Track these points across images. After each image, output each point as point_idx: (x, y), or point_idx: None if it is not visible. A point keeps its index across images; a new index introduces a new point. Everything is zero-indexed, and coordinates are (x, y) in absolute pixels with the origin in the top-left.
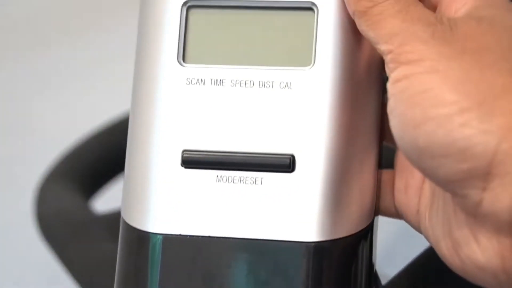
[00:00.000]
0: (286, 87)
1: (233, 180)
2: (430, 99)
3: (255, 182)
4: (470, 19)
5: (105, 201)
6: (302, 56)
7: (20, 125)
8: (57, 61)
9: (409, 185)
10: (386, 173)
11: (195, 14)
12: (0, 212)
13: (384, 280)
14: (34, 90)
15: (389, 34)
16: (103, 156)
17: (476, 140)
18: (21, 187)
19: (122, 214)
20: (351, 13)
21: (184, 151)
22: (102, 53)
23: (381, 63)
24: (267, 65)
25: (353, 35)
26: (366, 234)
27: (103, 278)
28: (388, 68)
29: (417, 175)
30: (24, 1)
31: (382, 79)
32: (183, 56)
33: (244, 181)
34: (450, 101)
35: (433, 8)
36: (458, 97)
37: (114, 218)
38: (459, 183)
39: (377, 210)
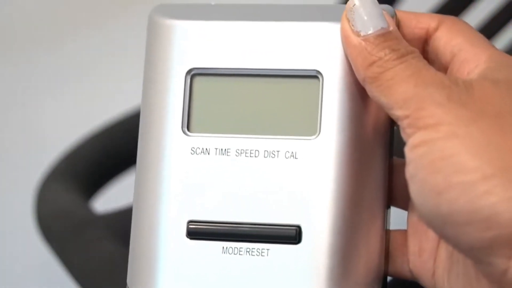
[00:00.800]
0: (292, 157)
1: (239, 251)
2: (451, 166)
3: (261, 254)
4: (486, 81)
5: (105, 201)
6: (307, 125)
7: (20, 125)
8: (57, 62)
9: (423, 248)
10: (398, 235)
11: (199, 82)
12: (0, 212)
13: None
14: (34, 90)
15: (403, 99)
16: (103, 156)
17: (501, 208)
18: (21, 187)
19: (128, 283)
20: (360, 79)
21: (189, 222)
22: (102, 53)
23: (388, 126)
24: (272, 134)
25: (358, 101)
26: None
27: (103, 278)
28: (404, 133)
29: (431, 238)
30: (23, 1)
31: (389, 141)
32: (188, 125)
33: (250, 252)
34: (473, 167)
35: (444, 71)
36: (480, 163)
37: (114, 218)
38: (484, 251)
39: (386, 271)
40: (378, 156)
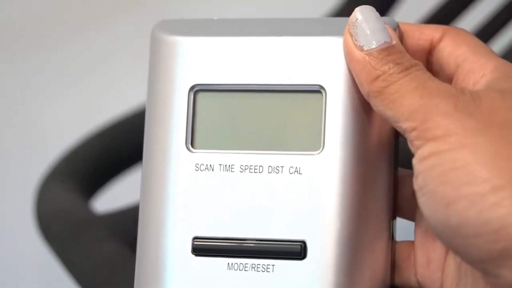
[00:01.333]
0: (296, 172)
1: (245, 267)
2: (461, 177)
3: (266, 270)
4: (492, 91)
5: (105, 201)
6: (311, 140)
7: (20, 125)
8: (57, 62)
9: (431, 259)
10: (405, 246)
11: (202, 98)
12: (0, 212)
13: None
14: (34, 90)
15: (409, 111)
16: (103, 156)
17: (510, 220)
18: (21, 187)
19: None
20: (364, 94)
21: (194, 238)
22: (102, 53)
23: (393, 138)
24: (276, 150)
25: (362, 115)
26: None
27: (103, 278)
28: (412, 145)
29: (439, 249)
30: (23, 2)
31: (394, 153)
32: (192, 141)
33: (256, 268)
34: (482, 178)
35: (449, 82)
36: (490, 174)
37: (114, 218)
38: (492, 263)
39: (392, 282)
40: (383, 169)
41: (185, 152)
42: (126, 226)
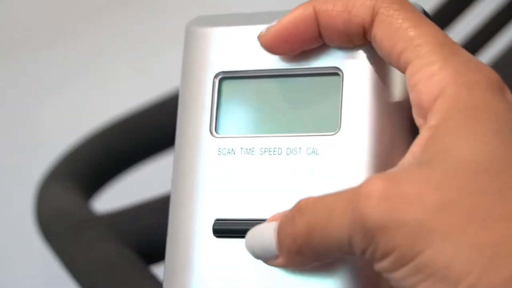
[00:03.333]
0: (313, 153)
1: None
2: None
3: None
4: (414, 171)
5: (105, 201)
6: (328, 122)
7: (20, 126)
8: (57, 62)
9: None
10: None
11: (225, 85)
12: (0, 212)
13: None
14: (34, 91)
15: None
16: (103, 156)
17: None
18: (21, 187)
19: (164, 281)
20: None
21: (216, 220)
22: (102, 53)
23: (409, 120)
24: (294, 132)
25: (378, 96)
26: None
27: (103, 278)
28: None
29: None
30: (23, 2)
31: (412, 136)
32: (216, 127)
33: None
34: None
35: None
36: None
37: (114, 218)
38: None
39: None
40: (399, 150)
41: (209, 137)
42: (126, 226)
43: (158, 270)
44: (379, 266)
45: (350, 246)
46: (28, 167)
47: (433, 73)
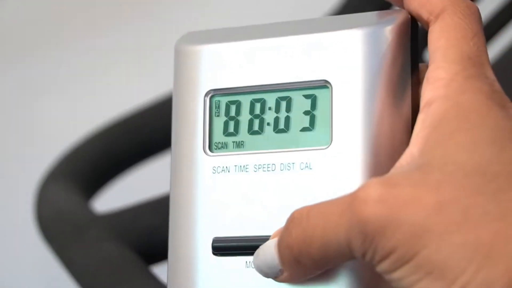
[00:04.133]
0: (306, 167)
1: None
2: None
3: None
4: (412, 177)
5: (105, 201)
6: (320, 136)
7: (21, 126)
8: (57, 62)
9: None
10: None
11: (216, 102)
12: (1, 212)
13: None
14: (34, 91)
15: None
16: (103, 156)
17: None
18: (22, 187)
19: None
20: None
21: (214, 239)
22: (103, 54)
23: (403, 130)
24: (287, 147)
25: (369, 108)
26: None
27: (103, 278)
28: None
29: None
30: (24, 3)
31: (406, 144)
32: (209, 145)
33: None
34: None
35: None
36: None
37: (114, 218)
38: None
39: None
40: (393, 160)
41: (203, 156)
42: (126, 226)
43: (158, 270)
44: (379, 267)
45: (350, 250)
46: (28, 167)
47: (440, 77)
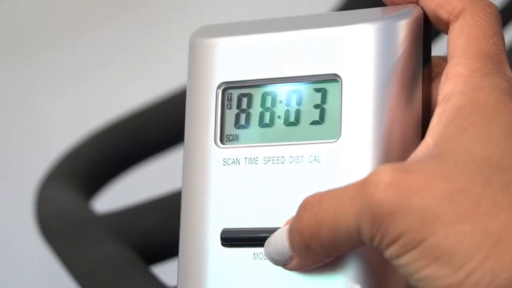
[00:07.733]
0: (315, 160)
1: None
2: None
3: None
4: (433, 169)
5: (105, 201)
6: (329, 129)
7: (21, 126)
8: (58, 62)
9: None
10: None
11: (229, 95)
12: (1, 212)
13: None
14: (34, 91)
15: None
16: (103, 156)
17: None
18: (22, 186)
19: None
20: None
21: (223, 230)
22: (103, 54)
23: (413, 125)
24: (296, 140)
25: (378, 102)
26: None
27: (103, 278)
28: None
29: None
30: (24, 3)
31: (417, 139)
32: (220, 138)
33: None
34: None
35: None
36: None
37: (114, 218)
38: None
39: None
40: (403, 153)
41: (214, 148)
42: (126, 226)
43: (158, 270)
44: (387, 252)
45: (359, 235)
46: (28, 167)
47: (459, 73)
